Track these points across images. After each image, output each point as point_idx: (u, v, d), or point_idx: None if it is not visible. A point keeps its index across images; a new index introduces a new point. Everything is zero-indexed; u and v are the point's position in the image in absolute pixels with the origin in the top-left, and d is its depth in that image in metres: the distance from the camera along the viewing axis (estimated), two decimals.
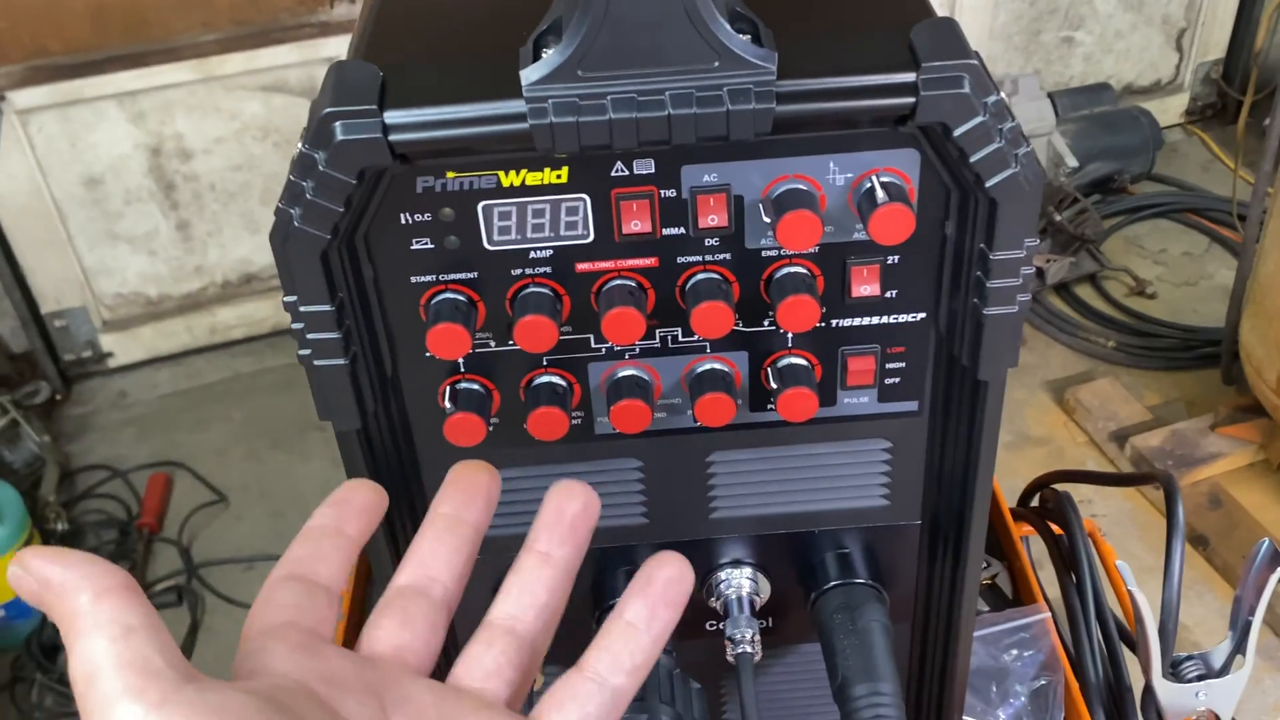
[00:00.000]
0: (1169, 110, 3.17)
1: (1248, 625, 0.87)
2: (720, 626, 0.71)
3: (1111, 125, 2.88)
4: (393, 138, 0.51)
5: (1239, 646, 0.88)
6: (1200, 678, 0.88)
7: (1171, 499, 0.90)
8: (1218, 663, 0.89)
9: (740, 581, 0.71)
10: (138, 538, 2.33)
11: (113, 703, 0.32)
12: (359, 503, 0.43)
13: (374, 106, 0.51)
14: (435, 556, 0.43)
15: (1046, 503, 1.06)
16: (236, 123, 2.50)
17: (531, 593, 0.43)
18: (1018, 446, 2.41)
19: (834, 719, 0.67)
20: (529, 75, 0.51)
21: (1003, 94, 0.55)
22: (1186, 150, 3.19)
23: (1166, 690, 0.88)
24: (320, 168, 0.51)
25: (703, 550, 0.71)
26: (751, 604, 0.71)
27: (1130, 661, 0.94)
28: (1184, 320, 2.64)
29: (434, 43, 0.58)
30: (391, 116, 0.51)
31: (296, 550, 0.41)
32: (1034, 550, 1.09)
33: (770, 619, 0.74)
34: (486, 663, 0.41)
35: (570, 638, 0.70)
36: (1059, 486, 1.07)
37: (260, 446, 2.55)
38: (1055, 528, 1.04)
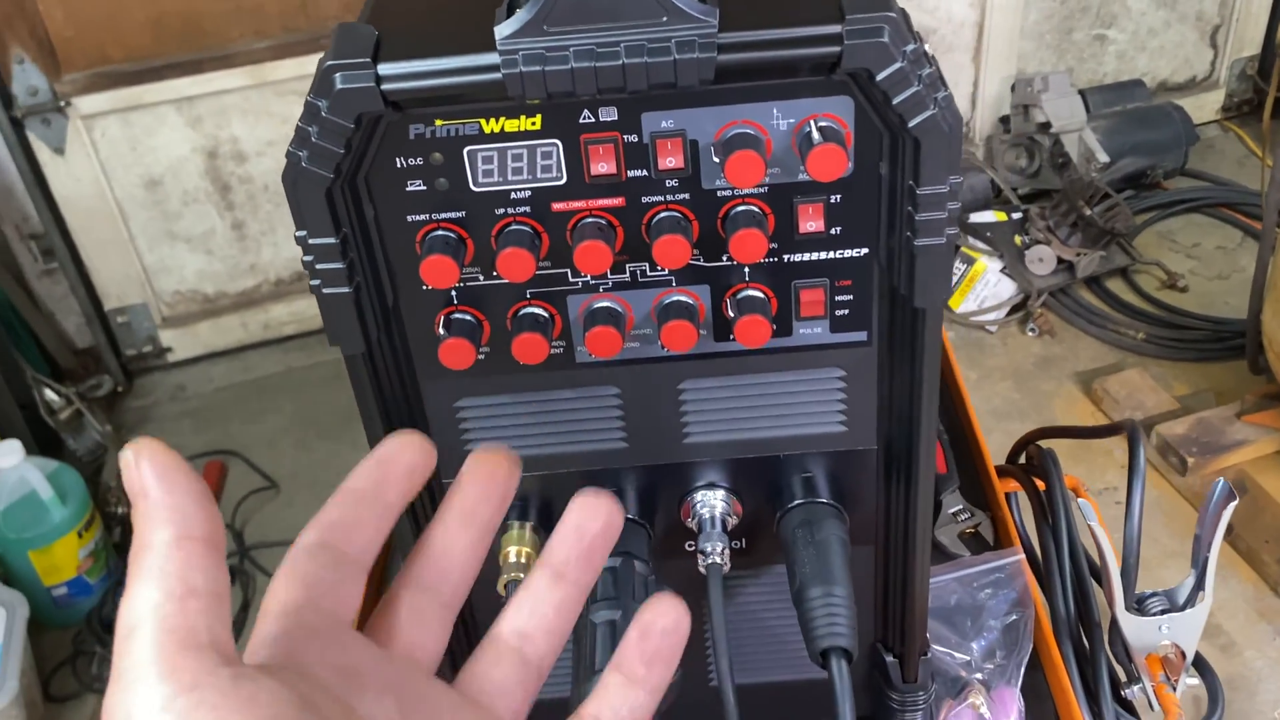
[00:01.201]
0: (1205, 106, 3.18)
1: (1206, 561, 0.92)
2: (696, 546, 0.78)
3: (1144, 121, 2.91)
4: (384, 86, 0.59)
5: (1200, 583, 0.93)
6: (1163, 612, 0.93)
7: (1134, 445, 0.96)
8: (1181, 599, 0.94)
9: (714, 502, 0.78)
10: None
11: (142, 674, 0.30)
12: (404, 463, 0.40)
13: (368, 60, 0.59)
14: (449, 552, 0.41)
15: (1031, 459, 1.12)
16: (288, 126, 2.59)
17: (542, 613, 0.41)
18: (1077, 457, 2.44)
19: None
20: (502, 30, 0.58)
21: (925, 45, 0.62)
22: (1223, 146, 3.20)
23: (1131, 623, 0.93)
24: (323, 114, 0.60)
25: (678, 473, 0.78)
26: (724, 523, 0.77)
27: (1102, 605, 1.00)
28: (1216, 313, 2.66)
29: (428, 9, 0.66)
30: (384, 68, 0.59)
31: (330, 513, 0.38)
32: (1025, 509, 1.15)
33: (744, 540, 0.81)
34: (496, 679, 0.40)
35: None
36: (1044, 443, 1.13)
37: (310, 436, 2.65)
38: (1039, 482, 1.09)
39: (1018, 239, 2.70)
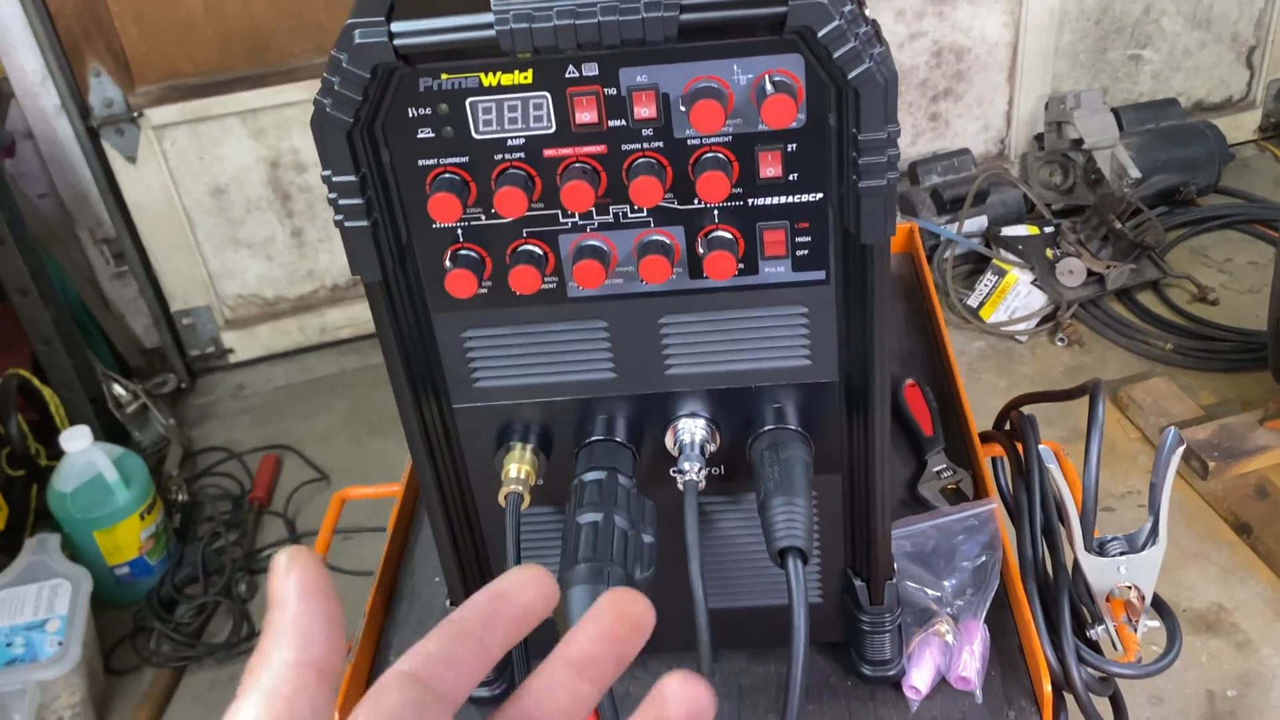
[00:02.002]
0: (1242, 126, 3.22)
1: (1159, 507, 0.99)
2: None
3: (1177, 139, 2.96)
4: (396, 41, 0.70)
5: (1155, 527, 1.00)
6: (1122, 554, 1.00)
7: (1094, 401, 1.03)
8: (1139, 542, 1.01)
9: (693, 430, 0.87)
10: (249, 509, 2.57)
11: None
12: (521, 603, 0.37)
13: (383, 19, 0.69)
14: (542, 705, 0.37)
15: (1013, 424, 1.20)
16: None
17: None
18: (1071, 441, 2.49)
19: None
20: None
21: (866, 10, 0.71)
22: (1259, 165, 3.24)
23: (1091, 563, 1.00)
24: (344, 65, 0.70)
25: (662, 403, 0.87)
26: (702, 448, 0.86)
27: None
28: (1246, 325, 2.70)
29: None
30: (396, 26, 0.70)
31: (430, 645, 0.36)
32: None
33: (722, 467, 0.90)
34: None
35: (557, 480, 0.86)
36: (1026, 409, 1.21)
37: (361, 433, 2.77)
38: (1019, 446, 1.17)
39: (1049, 252, 2.76)
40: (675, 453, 0.87)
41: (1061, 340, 2.71)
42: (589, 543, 0.79)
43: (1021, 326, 2.76)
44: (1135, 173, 2.84)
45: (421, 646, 0.36)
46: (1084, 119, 2.85)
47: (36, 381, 2.45)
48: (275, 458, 2.71)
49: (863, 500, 0.90)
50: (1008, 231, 2.82)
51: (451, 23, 0.70)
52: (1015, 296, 2.76)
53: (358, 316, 2.98)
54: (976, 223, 2.84)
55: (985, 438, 1.21)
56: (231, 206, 2.81)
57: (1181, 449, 0.96)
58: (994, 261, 2.79)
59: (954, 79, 2.94)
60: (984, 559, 1.04)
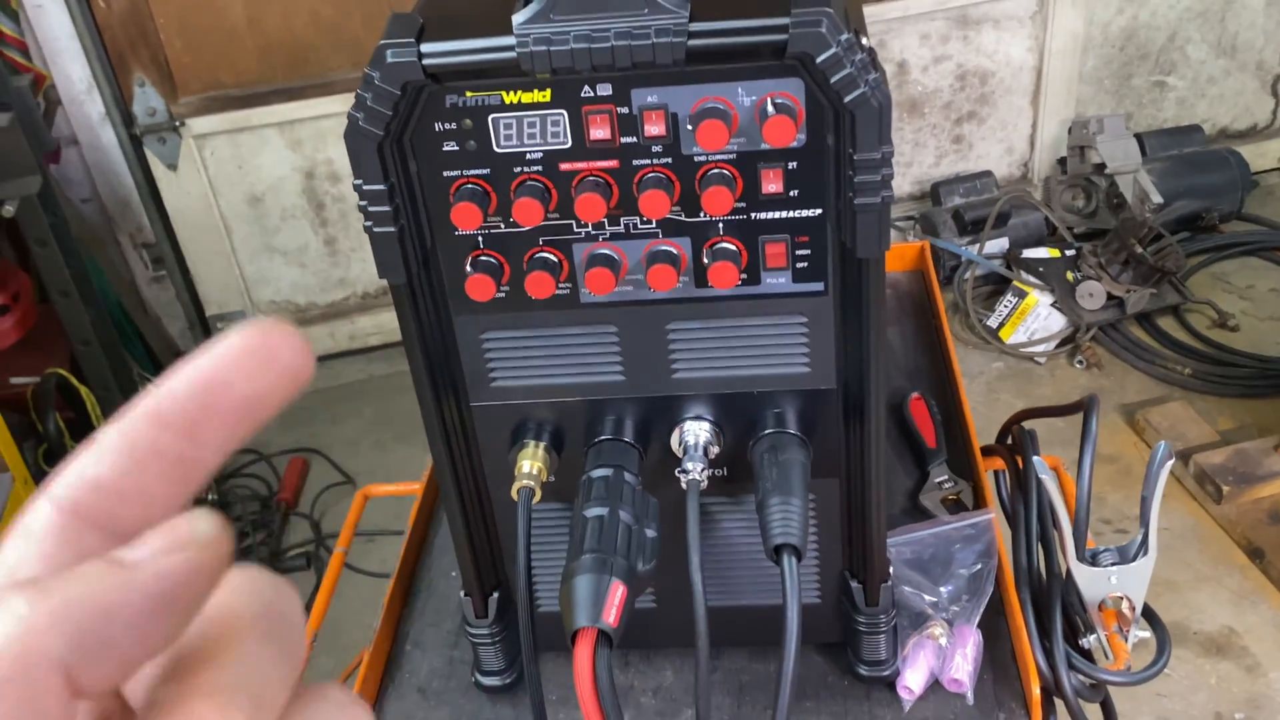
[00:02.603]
0: (1267, 154, 3.24)
1: (1150, 519, 1.03)
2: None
3: (1200, 165, 2.98)
4: (425, 61, 0.75)
5: (1145, 539, 1.04)
6: (1113, 565, 1.04)
7: (1088, 414, 1.07)
8: (1130, 553, 1.04)
9: (698, 432, 0.91)
10: (276, 510, 2.63)
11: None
12: (242, 394, 0.28)
13: (413, 40, 0.75)
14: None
15: (1014, 439, 1.23)
16: None
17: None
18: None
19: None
20: (518, 19, 0.74)
21: (864, 38, 0.76)
22: None
23: (1082, 572, 1.04)
24: (376, 82, 0.75)
25: (668, 405, 0.91)
26: (706, 450, 0.91)
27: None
28: (1267, 352, 2.71)
29: (465, 3, 0.82)
30: (425, 47, 0.75)
31: (97, 467, 0.26)
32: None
33: (725, 469, 0.94)
34: None
35: (568, 478, 0.91)
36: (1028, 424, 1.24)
37: (386, 438, 2.83)
38: (1020, 460, 1.21)
39: (1069, 274, 2.79)
40: (680, 453, 0.92)
41: (1080, 363, 2.74)
42: (594, 535, 0.83)
43: (1041, 348, 2.79)
44: (1157, 198, 2.87)
45: (85, 466, 0.26)
46: (1107, 144, 2.88)
47: (75, 381, 2.53)
48: (303, 460, 2.77)
49: (859, 504, 0.94)
50: (1029, 253, 2.86)
51: (476, 45, 0.75)
52: (1035, 318, 2.78)
53: (386, 324, 3.04)
54: (998, 244, 2.87)
55: (987, 451, 1.25)
56: (267, 215, 2.88)
57: (1171, 462, 1.00)
58: (1014, 283, 2.82)
59: (978, 102, 2.98)
60: (980, 566, 1.08)
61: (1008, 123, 3.02)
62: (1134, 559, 1.05)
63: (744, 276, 0.83)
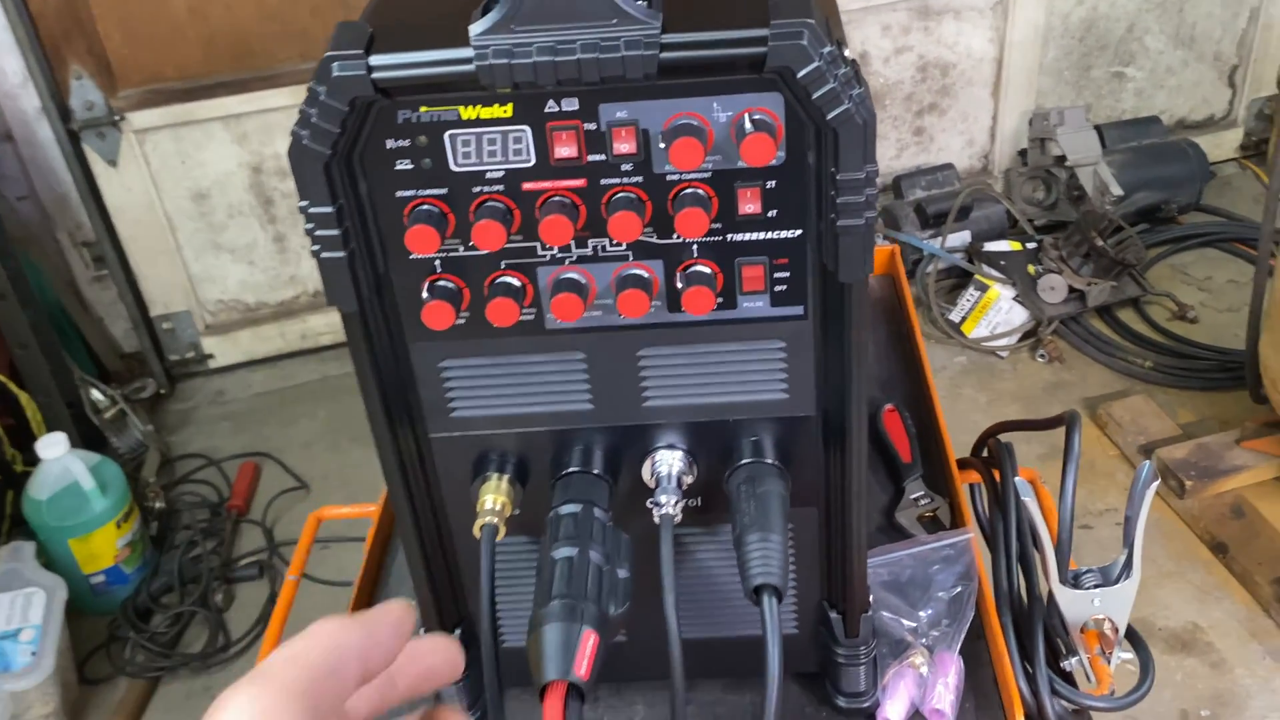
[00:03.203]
0: (1223, 144, 3.24)
1: (1134, 540, 0.99)
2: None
3: (1159, 157, 2.98)
4: (375, 75, 0.69)
5: (1129, 560, 1.00)
6: (1096, 587, 1.01)
7: (1070, 432, 1.03)
8: (1113, 574, 1.01)
9: (671, 461, 0.86)
10: (226, 517, 2.56)
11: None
12: (426, 665, 0.50)
13: (361, 52, 0.69)
14: None
15: (991, 451, 1.20)
16: None
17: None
18: (1050, 458, 2.50)
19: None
20: (476, 28, 0.68)
21: (847, 51, 0.71)
22: (1240, 184, 3.26)
23: (1065, 595, 1.00)
24: (321, 98, 0.70)
25: (639, 434, 0.87)
26: (679, 481, 0.86)
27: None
28: (1225, 344, 2.71)
29: (419, 11, 0.76)
30: (375, 59, 0.69)
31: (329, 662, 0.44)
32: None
33: (700, 498, 0.89)
34: None
35: (534, 514, 0.86)
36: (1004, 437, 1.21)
37: (341, 441, 2.76)
38: (996, 474, 1.17)
39: (1031, 268, 2.77)
40: (652, 484, 0.87)
41: (1042, 356, 2.72)
42: (563, 578, 0.78)
43: (1003, 342, 2.77)
44: (1117, 190, 2.85)
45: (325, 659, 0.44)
46: (1067, 136, 2.86)
47: (13, 386, 2.44)
48: (254, 465, 2.70)
49: (839, 534, 0.90)
50: (990, 247, 2.83)
51: (430, 57, 0.69)
52: (997, 312, 2.76)
53: (339, 324, 2.95)
54: (960, 237, 2.84)
55: (963, 464, 1.21)
56: (213, 211, 2.80)
57: (1156, 484, 0.96)
58: (976, 277, 2.80)
59: (939, 94, 2.95)
60: (959, 589, 1.04)
61: (968, 114, 2.99)
62: (1117, 581, 1.01)
63: (719, 300, 0.79)
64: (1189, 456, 2.33)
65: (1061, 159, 2.91)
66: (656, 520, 0.84)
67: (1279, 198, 2.02)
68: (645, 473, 0.88)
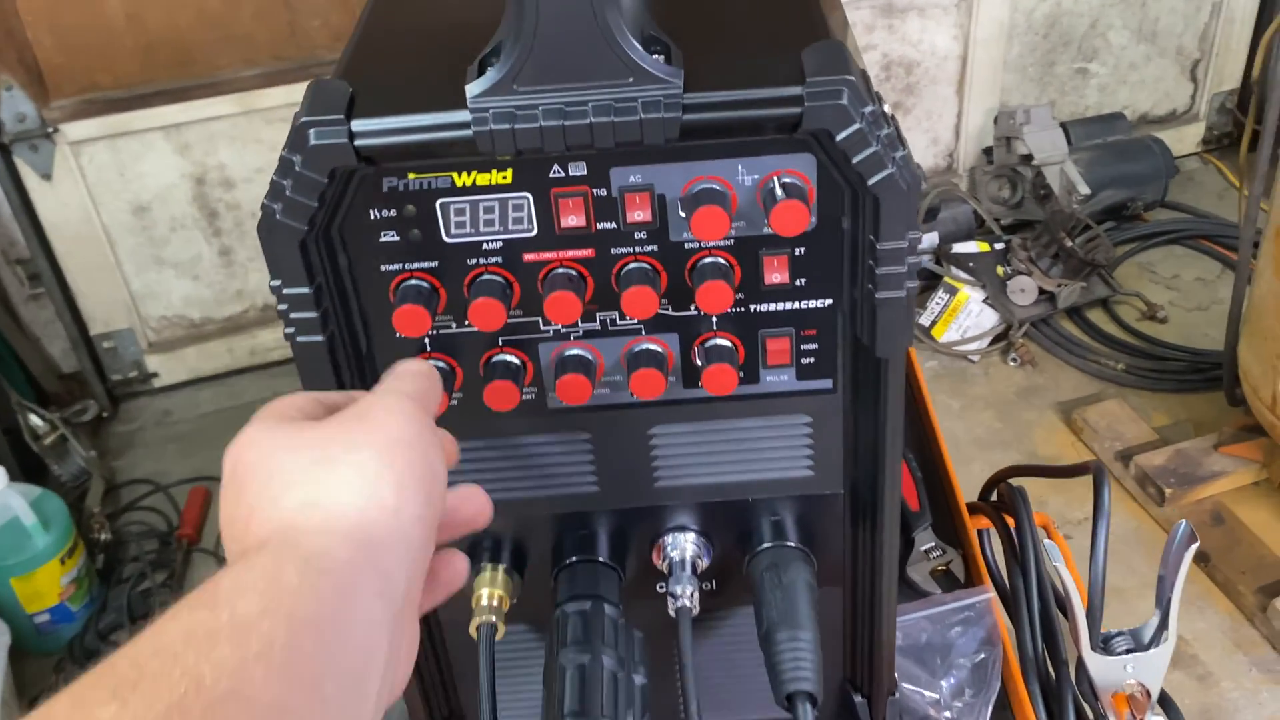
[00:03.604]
0: (1185, 139, 3.22)
1: (1169, 602, 0.94)
2: (667, 587, 0.79)
3: (1124, 154, 2.94)
4: (358, 143, 0.61)
5: (1164, 623, 0.94)
6: (1128, 651, 0.95)
7: (1099, 486, 0.97)
8: (1146, 638, 0.95)
9: (684, 545, 0.79)
10: (177, 548, 2.44)
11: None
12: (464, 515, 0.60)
13: (342, 116, 0.60)
14: None
15: (1002, 497, 1.14)
16: (276, 153, 2.59)
17: None
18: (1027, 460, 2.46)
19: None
20: (473, 89, 0.60)
21: (885, 106, 0.63)
22: (1202, 178, 3.24)
23: (1096, 662, 0.94)
24: (297, 168, 0.61)
25: (649, 516, 0.79)
26: (694, 565, 0.79)
27: (1071, 645, 1.01)
28: (1195, 344, 2.68)
29: (401, 63, 0.68)
30: (357, 125, 0.61)
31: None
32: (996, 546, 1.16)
33: (714, 581, 0.82)
34: None
35: (532, 596, 0.79)
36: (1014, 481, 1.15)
37: None
38: (1008, 519, 1.11)
39: (1000, 269, 2.73)
40: (664, 570, 0.80)
41: (1014, 360, 2.68)
42: (575, 691, 0.71)
43: (974, 346, 2.72)
44: (1084, 189, 2.81)
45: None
46: (1034, 135, 2.82)
47: None
48: (205, 490, 2.58)
49: (866, 613, 0.83)
50: (959, 248, 2.78)
51: (421, 121, 0.61)
52: (967, 315, 2.72)
53: None
54: (928, 239, 2.79)
55: (972, 509, 1.15)
56: (155, 225, 2.67)
57: (1194, 547, 0.90)
58: (945, 279, 2.75)
59: (903, 92, 2.89)
60: (983, 655, 0.98)
61: (933, 113, 2.94)
62: (1151, 645, 0.96)
63: (741, 375, 0.71)
64: (1168, 463, 2.29)
65: (1028, 158, 2.86)
66: (672, 613, 0.77)
67: (1258, 203, 1.98)
68: (655, 557, 0.80)
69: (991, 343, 2.73)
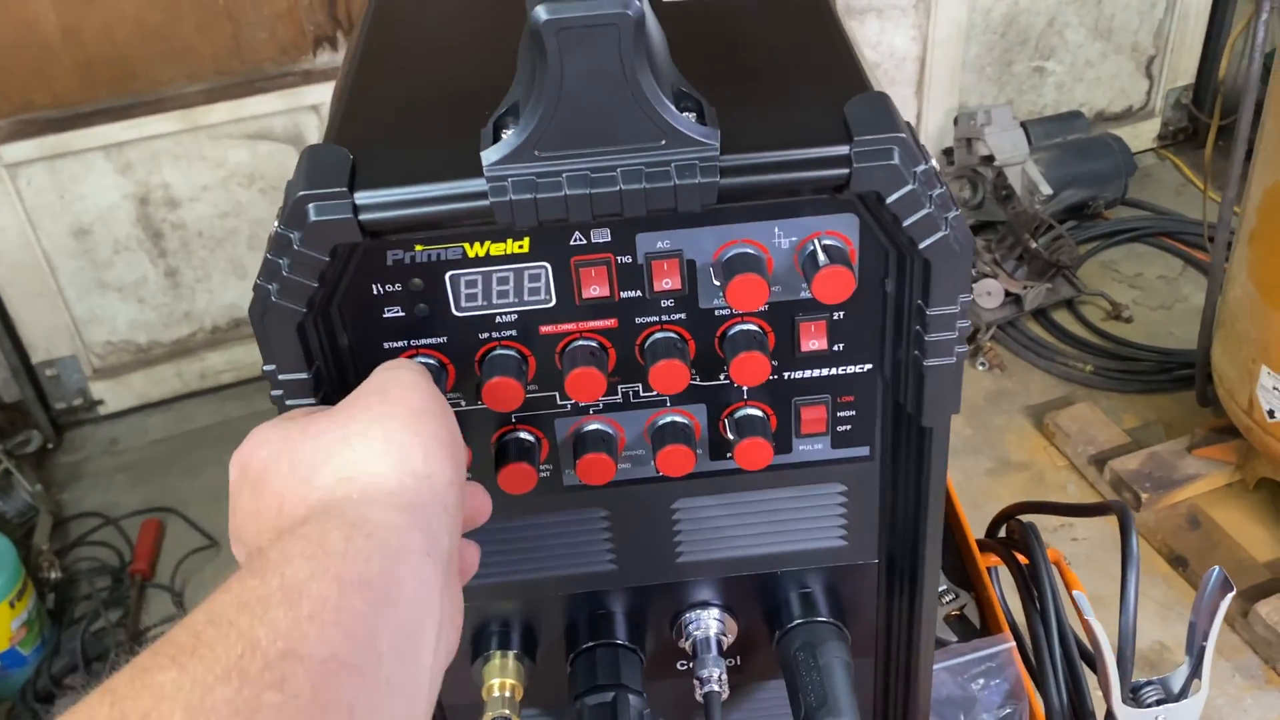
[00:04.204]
0: (1141, 135, 3.22)
1: (1202, 650, 0.90)
2: (689, 666, 0.74)
3: (1084, 152, 2.93)
4: (363, 217, 0.55)
5: (1195, 670, 0.91)
6: (1159, 702, 0.91)
7: (1126, 531, 0.93)
8: (1176, 686, 0.92)
9: (708, 622, 0.74)
10: (130, 584, 2.35)
11: None
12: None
13: (344, 188, 0.54)
14: None
15: (1012, 533, 1.10)
16: (222, 170, 2.54)
17: None
18: (999, 472, 2.44)
19: None
20: (489, 156, 0.54)
21: (933, 163, 0.59)
22: (1160, 174, 3.24)
23: (1127, 715, 0.90)
24: (295, 246, 0.55)
25: (671, 593, 0.74)
26: (719, 644, 0.74)
27: (1094, 686, 0.97)
28: (1160, 343, 2.68)
29: (402, 124, 0.62)
30: (361, 197, 0.55)
31: None
32: (1005, 577, 1.12)
33: (738, 657, 0.77)
34: None
35: (545, 683, 0.73)
36: (1025, 517, 1.11)
37: None
38: (1021, 557, 1.07)
39: None
40: (687, 649, 0.74)
41: (983, 364, 2.66)
42: None
43: None
44: (1046, 189, 2.80)
45: None
46: (995, 135, 2.80)
47: None
48: (157, 522, 2.49)
49: (900, 684, 0.78)
50: None
51: (433, 192, 0.55)
52: None
53: (241, 360, 2.76)
54: None
55: (982, 546, 1.11)
56: (97, 248, 2.57)
57: (1230, 596, 0.87)
58: None
59: None
60: (1008, 710, 0.94)
61: None
62: (1182, 695, 0.92)
63: (773, 444, 0.66)
64: (1142, 467, 2.28)
65: (989, 159, 2.84)
66: (699, 698, 0.72)
67: (1231, 206, 1.97)
68: (676, 633, 0.75)
69: None
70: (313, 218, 0.54)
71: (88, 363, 2.71)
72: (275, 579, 0.42)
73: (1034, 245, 2.67)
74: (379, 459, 0.49)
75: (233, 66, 2.48)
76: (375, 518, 0.46)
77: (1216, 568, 0.89)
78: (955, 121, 2.92)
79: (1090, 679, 0.98)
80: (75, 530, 2.51)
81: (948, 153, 2.98)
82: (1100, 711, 0.94)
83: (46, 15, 2.29)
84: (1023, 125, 2.88)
